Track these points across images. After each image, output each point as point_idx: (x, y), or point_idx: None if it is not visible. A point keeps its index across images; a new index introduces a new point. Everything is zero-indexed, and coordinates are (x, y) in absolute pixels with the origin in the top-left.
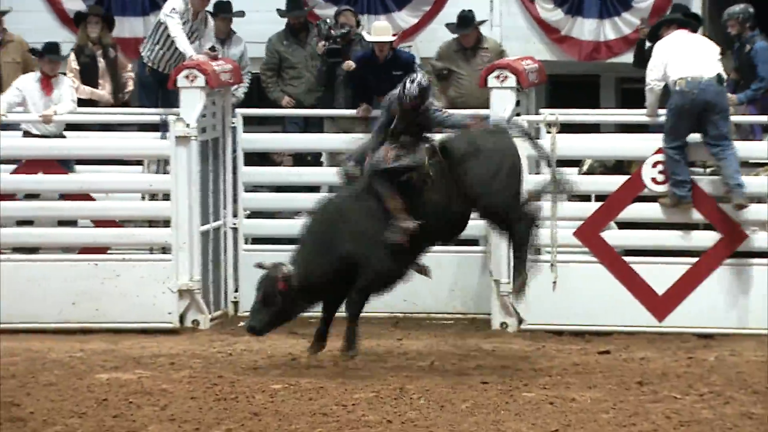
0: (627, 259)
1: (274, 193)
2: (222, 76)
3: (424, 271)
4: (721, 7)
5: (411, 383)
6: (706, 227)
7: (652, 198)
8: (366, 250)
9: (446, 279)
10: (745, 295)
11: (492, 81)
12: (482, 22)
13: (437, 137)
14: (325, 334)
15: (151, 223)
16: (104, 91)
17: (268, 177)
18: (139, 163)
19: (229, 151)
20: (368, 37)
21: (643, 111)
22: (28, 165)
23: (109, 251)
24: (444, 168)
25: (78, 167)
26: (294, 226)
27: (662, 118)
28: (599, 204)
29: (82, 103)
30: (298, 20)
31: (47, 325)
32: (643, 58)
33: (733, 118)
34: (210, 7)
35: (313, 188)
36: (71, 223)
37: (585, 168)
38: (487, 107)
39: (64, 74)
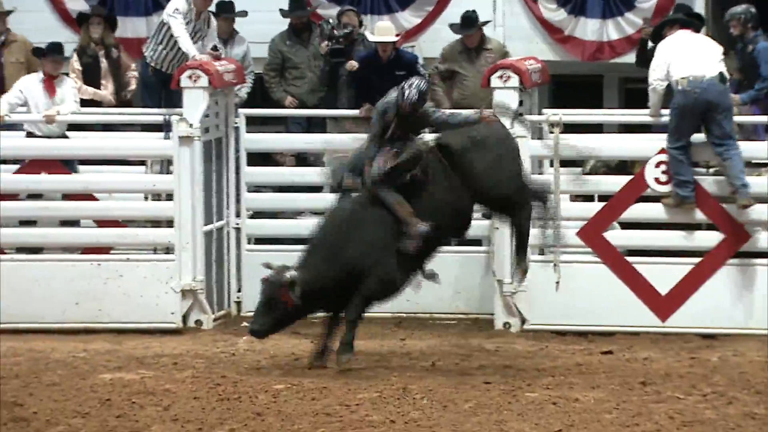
0: (630, 259)
1: (276, 193)
2: (225, 76)
3: (432, 277)
4: (724, 8)
5: (414, 383)
6: (709, 227)
7: (655, 198)
8: (372, 259)
9: (449, 279)
10: (749, 295)
11: (495, 81)
12: (486, 22)
13: (429, 137)
14: (323, 353)
15: (155, 223)
16: (106, 91)
17: (271, 177)
18: (142, 163)
19: (232, 151)
20: (371, 37)
21: (646, 111)
22: (31, 165)
23: (112, 251)
24: (446, 166)
25: (81, 167)
26: (297, 227)
27: (665, 118)
28: (602, 204)
29: (84, 103)
30: (301, 20)
31: (50, 325)
32: (645, 57)
33: (736, 119)
34: (212, 7)
35: (316, 188)
36: (74, 223)
37: (588, 168)
38: (491, 107)
39: (67, 74)
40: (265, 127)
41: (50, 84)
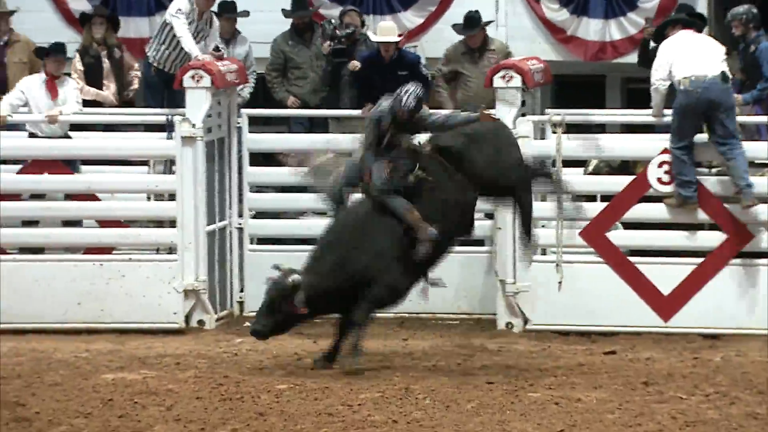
0: (632, 259)
1: (279, 194)
2: (228, 76)
3: (437, 283)
4: (726, 8)
5: (416, 383)
6: (712, 227)
7: (658, 198)
8: (380, 266)
9: (452, 279)
10: (751, 295)
11: (497, 81)
12: (489, 22)
13: (424, 138)
14: (334, 354)
15: (158, 223)
16: (108, 91)
17: (274, 177)
18: (144, 163)
19: (235, 151)
20: (374, 37)
21: (649, 111)
22: (33, 165)
23: (114, 251)
24: (448, 167)
25: (83, 167)
26: (299, 227)
27: (668, 119)
28: (605, 204)
29: (86, 103)
30: (303, 20)
31: (52, 325)
32: (647, 57)
33: (739, 119)
34: (215, 7)
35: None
36: (76, 223)
37: (591, 168)
38: (493, 108)
39: (69, 75)
40: (267, 127)
41: (52, 84)
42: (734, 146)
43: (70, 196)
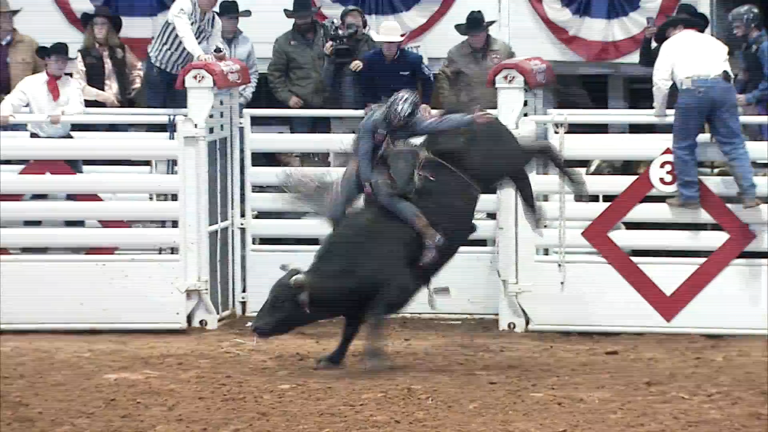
0: (635, 259)
1: (281, 193)
2: (230, 76)
3: (443, 291)
4: (728, 8)
5: (419, 383)
6: (714, 227)
7: (660, 198)
8: (390, 270)
9: (454, 279)
10: (754, 295)
11: (500, 81)
12: (491, 22)
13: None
14: (340, 355)
15: (160, 223)
16: (110, 92)
17: (276, 177)
18: (147, 163)
19: (237, 151)
20: (376, 37)
21: (651, 111)
22: (35, 165)
23: (116, 252)
24: (450, 169)
25: (86, 168)
26: (301, 227)
27: (670, 118)
28: (607, 204)
29: (88, 104)
30: (305, 20)
31: (55, 325)
32: (649, 56)
33: (741, 119)
34: (217, 7)
35: None
36: (79, 223)
37: (593, 168)
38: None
39: (70, 75)
40: (269, 127)
41: (54, 86)
42: (737, 146)
43: (72, 197)
